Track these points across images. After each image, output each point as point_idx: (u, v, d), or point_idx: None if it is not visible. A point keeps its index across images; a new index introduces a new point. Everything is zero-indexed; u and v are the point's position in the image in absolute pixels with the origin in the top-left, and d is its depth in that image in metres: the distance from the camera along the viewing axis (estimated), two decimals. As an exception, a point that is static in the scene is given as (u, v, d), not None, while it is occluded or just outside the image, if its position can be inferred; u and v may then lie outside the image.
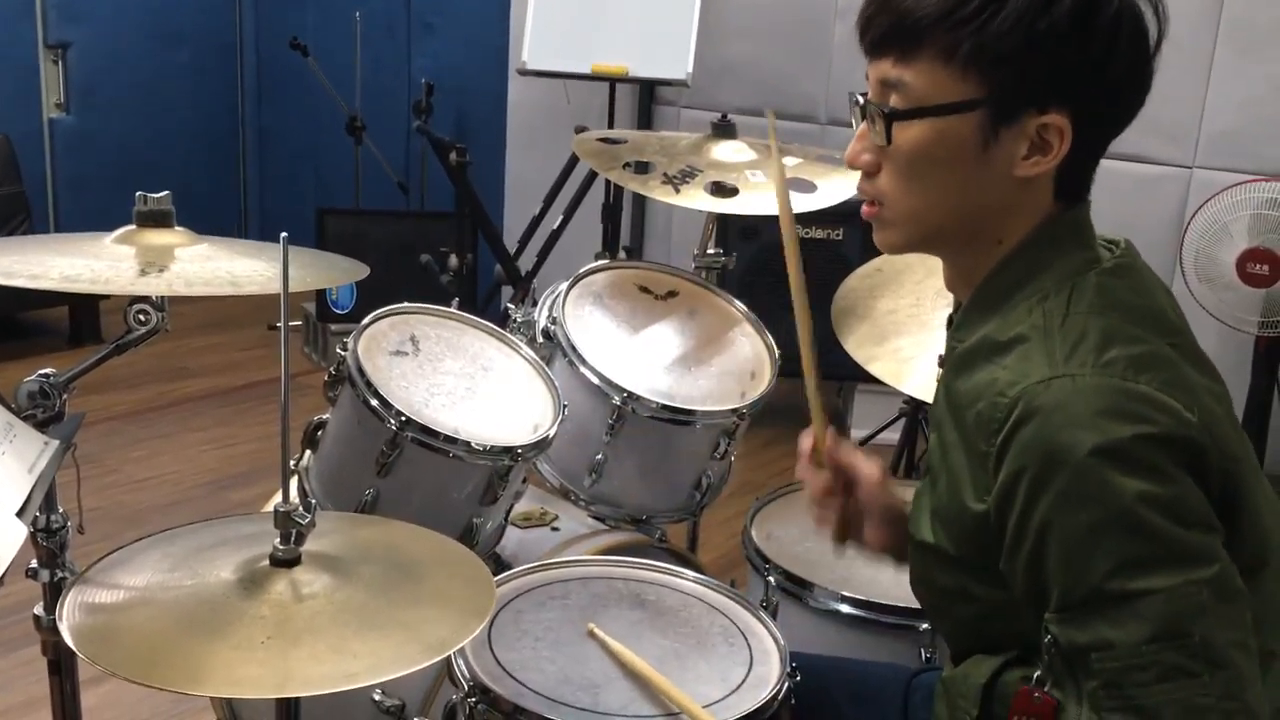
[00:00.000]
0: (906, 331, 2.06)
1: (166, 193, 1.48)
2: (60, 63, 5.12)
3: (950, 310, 1.26)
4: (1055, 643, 1.02)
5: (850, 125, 1.18)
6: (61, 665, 1.47)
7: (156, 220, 1.46)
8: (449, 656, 1.30)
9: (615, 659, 1.38)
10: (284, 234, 1.16)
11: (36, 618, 1.45)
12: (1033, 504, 1.01)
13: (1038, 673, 1.07)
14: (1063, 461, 0.99)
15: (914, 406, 3.02)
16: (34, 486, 1.20)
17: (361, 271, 1.58)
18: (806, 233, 3.92)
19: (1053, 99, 1.07)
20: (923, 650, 1.68)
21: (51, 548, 1.42)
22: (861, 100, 1.14)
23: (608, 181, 3.51)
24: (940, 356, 1.31)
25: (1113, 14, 1.06)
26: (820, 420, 1.32)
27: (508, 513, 1.82)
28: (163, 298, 1.42)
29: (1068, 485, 0.99)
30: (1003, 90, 1.06)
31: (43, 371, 1.36)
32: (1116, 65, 1.07)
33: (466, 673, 1.34)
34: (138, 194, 1.47)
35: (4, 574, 1.07)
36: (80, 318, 4.67)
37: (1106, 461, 0.98)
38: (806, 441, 1.34)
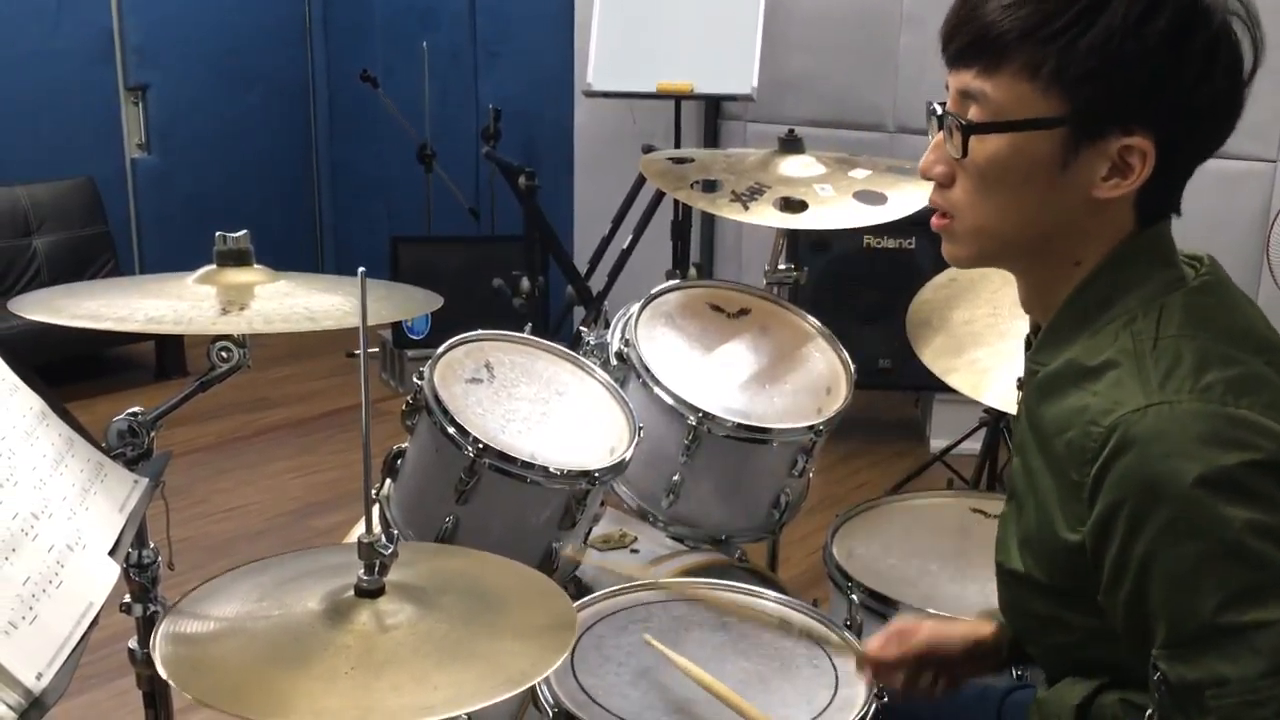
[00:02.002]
0: (984, 342, 2.02)
1: (245, 232, 1.51)
2: (140, 104, 5.27)
3: (1028, 330, 1.23)
4: (1165, 680, 0.98)
5: (924, 133, 1.16)
6: (156, 697, 1.51)
7: (236, 259, 1.49)
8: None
9: (676, 668, 1.37)
10: (361, 269, 1.16)
11: (131, 651, 1.48)
12: (1133, 537, 0.98)
13: (1149, 710, 1.03)
14: (1165, 493, 0.95)
15: (994, 416, 2.97)
16: (125, 525, 1.23)
17: (436, 302, 1.60)
18: (878, 243, 3.89)
19: (1137, 120, 1.03)
20: (1013, 669, 1.64)
21: (143, 582, 1.45)
22: (939, 110, 1.11)
23: (676, 200, 3.52)
24: (1019, 379, 1.28)
25: (1208, 38, 1.02)
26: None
27: (587, 536, 1.82)
28: (244, 335, 1.45)
29: (1171, 517, 0.95)
30: (1086, 109, 1.03)
31: (131, 410, 1.39)
32: (1207, 91, 1.03)
33: (551, 699, 1.34)
34: (217, 234, 1.50)
35: (99, 610, 1.10)
36: (166, 352, 4.79)
37: (1211, 491, 0.94)
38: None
